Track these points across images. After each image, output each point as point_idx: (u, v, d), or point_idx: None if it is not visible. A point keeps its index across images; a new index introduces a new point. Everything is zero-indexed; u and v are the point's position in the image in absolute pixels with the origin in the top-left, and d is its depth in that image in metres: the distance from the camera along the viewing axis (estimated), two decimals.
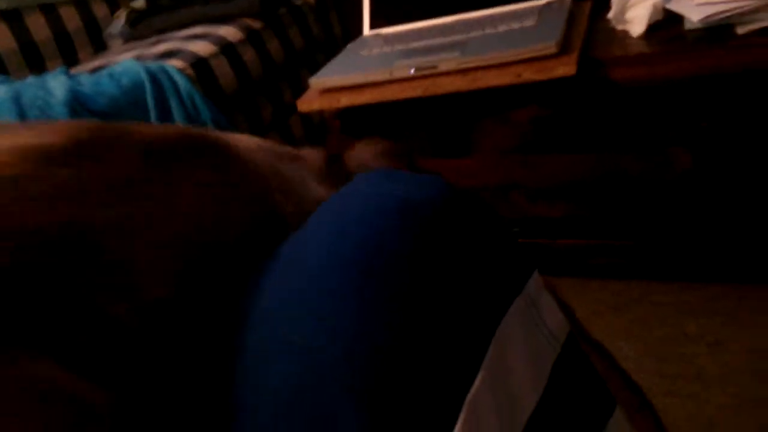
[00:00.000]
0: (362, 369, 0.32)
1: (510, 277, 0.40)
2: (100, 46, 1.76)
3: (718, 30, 0.92)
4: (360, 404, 0.31)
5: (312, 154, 0.54)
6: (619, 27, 1.05)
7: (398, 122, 1.14)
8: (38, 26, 1.59)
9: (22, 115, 1.11)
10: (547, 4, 1.13)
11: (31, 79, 1.25)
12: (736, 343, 0.98)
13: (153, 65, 1.30)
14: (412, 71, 1.03)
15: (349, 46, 1.25)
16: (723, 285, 1.07)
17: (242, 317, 0.37)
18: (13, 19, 1.54)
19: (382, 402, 0.32)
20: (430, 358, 0.34)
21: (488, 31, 1.07)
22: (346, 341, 0.32)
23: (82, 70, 1.46)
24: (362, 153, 0.59)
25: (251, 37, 1.51)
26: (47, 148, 0.35)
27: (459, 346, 0.35)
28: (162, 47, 1.46)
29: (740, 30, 0.89)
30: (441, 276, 0.36)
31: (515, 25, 1.06)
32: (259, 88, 1.53)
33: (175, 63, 1.33)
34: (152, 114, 1.28)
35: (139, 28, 1.68)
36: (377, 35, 1.25)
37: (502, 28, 1.07)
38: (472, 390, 0.34)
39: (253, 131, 1.51)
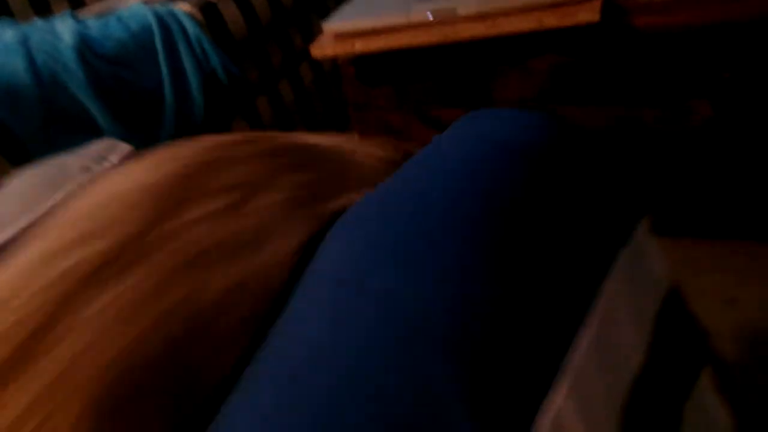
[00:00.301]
0: (464, 326, 0.29)
1: (619, 223, 0.38)
2: None
3: None
4: (459, 364, 0.29)
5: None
6: None
7: (414, 69, 1.12)
8: None
9: (30, 59, 1.09)
10: None
11: (38, 23, 1.23)
12: (750, 300, 0.98)
13: (161, 9, 1.27)
14: (430, 16, 1.00)
15: None
16: (736, 242, 1.06)
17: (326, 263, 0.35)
18: None
19: (483, 362, 0.29)
20: (535, 315, 0.31)
21: None
22: (447, 295, 0.30)
23: (88, 13, 1.43)
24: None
25: None
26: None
27: (565, 299, 0.33)
28: None
29: None
30: (548, 225, 0.34)
31: None
32: (268, 33, 1.49)
33: (183, 7, 1.29)
34: (161, 58, 1.25)
35: None
36: None
37: None
38: (580, 349, 0.32)
39: (263, 78, 1.48)
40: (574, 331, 0.32)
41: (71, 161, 0.58)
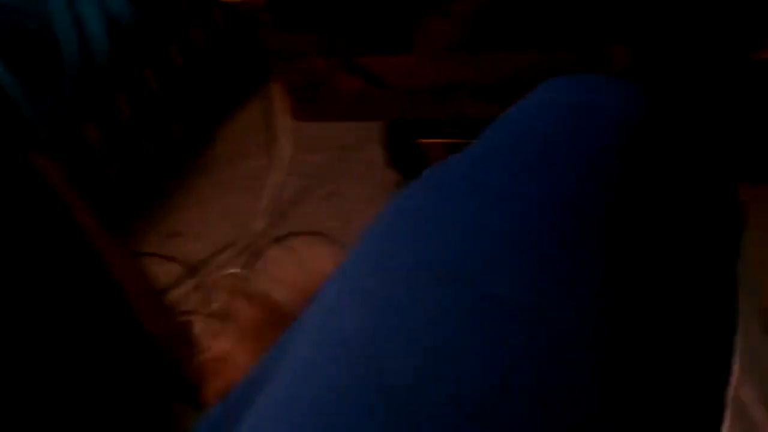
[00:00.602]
0: (609, 348, 0.24)
1: (731, 221, 0.32)
2: None
3: None
4: (610, 392, 0.24)
5: None
6: None
7: (337, 14, 1.07)
8: None
9: None
10: None
11: None
12: None
13: None
14: None
15: None
16: None
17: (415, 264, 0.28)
18: None
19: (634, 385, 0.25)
20: (681, 333, 0.27)
21: None
22: (587, 311, 0.25)
23: None
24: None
25: None
26: None
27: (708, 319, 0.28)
28: None
29: None
30: (671, 224, 0.29)
31: None
32: None
33: None
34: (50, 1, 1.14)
35: None
36: None
37: None
38: (734, 376, 0.28)
39: (170, 24, 1.39)
40: (728, 356, 0.28)
41: None
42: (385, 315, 0.26)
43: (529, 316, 0.24)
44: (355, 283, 0.29)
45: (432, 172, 0.32)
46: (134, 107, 1.35)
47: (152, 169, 1.46)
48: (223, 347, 0.51)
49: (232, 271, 1.24)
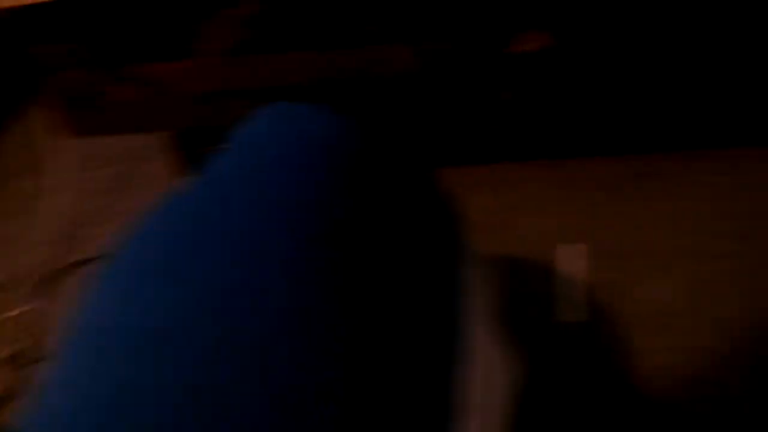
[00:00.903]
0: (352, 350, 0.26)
1: (448, 232, 0.34)
2: None
3: None
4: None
5: None
6: None
7: (102, 22, 0.99)
8: None
9: None
10: None
11: None
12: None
13: None
14: None
15: None
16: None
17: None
18: None
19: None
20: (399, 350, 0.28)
21: None
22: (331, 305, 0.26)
23: None
24: None
25: None
26: None
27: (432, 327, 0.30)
28: None
29: None
30: (386, 243, 0.30)
31: None
32: None
33: None
34: None
35: None
36: None
37: None
38: (473, 385, 0.29)
39: None
40: (451, 360, 0.30)
41: None
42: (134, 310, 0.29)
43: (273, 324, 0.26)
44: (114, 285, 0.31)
45: (171, 197, 0.35)
46: None
47: None
48: None
49: (21, 309, 1.11)
